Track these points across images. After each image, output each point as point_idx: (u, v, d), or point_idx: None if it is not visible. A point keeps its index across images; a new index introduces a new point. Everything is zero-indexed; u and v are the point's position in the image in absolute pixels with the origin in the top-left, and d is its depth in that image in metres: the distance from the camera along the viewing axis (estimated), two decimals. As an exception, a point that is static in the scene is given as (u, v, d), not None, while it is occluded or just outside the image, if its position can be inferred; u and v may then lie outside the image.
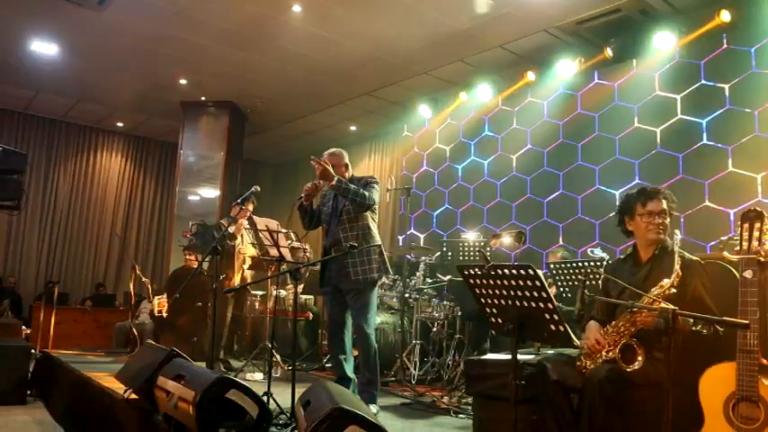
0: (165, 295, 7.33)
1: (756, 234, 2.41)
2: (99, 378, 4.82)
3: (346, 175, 4.66)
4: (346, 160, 4.71)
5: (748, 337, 2.27)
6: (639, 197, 3.06)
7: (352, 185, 4.42)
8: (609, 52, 6.46)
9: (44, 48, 7.61)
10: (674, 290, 2.67)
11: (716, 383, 2.35)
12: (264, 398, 3.71)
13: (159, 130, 11.05)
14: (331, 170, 4.39)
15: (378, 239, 4.58)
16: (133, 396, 3.94)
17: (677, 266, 2.67)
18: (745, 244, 2.42)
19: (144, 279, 8.07)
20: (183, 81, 8.53)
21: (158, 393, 3.56)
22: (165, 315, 7.19)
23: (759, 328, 2.31)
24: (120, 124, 10.98)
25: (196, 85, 8.67)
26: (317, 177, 4.41)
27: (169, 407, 3.38)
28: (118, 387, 4.14)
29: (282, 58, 7.54)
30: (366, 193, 4.43)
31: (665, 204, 2.99)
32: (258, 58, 7.56)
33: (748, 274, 2.37)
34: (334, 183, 4.36)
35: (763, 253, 2.41)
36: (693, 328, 2.65)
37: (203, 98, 9.21)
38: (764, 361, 2.31)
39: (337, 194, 4.55)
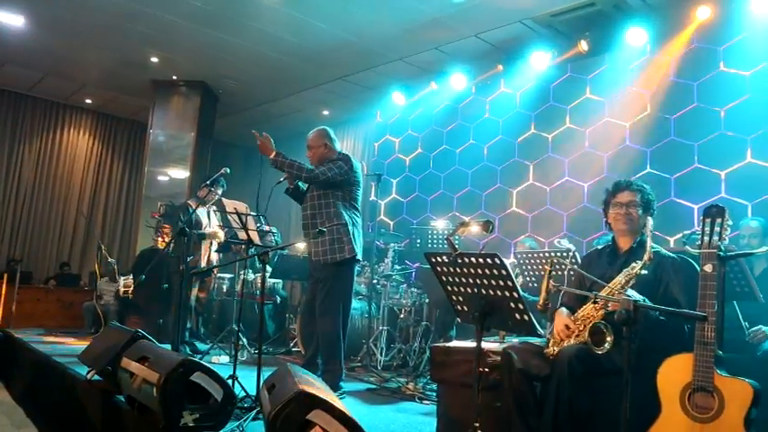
0: (131, 276, 7.25)
1: (717, 229, 2.46)
2: (61, 358, 4.76)
3: (327, 153, 4.65)
4: (325, 140, 4.68)
5: (706, 329, 2.33)
6: (612, 189, 3.17)
7: (292, 160, 4.42)
8: (584, 45, 6.51)
9: (9, 19, 7.39)
10: (644, 272, 2.72)
11: (674, 373, 2.41)
12: (230, 381, 3.70)
13: (129, 108, 10.85)
14: (269, 144, 4.45)
15: (343, 219, 4.50)
16: (96, 377, 3.91)
17: (649, 248, 2.73)
18: (706, 238, 2.48)
19: (110, 259, 7.97)
20: (154, 59, 8.37)
21: (122, 375, 3.53)
22: (130, 296, 7.11)
23: (717, 321, 2.37)
24: (88, 101, 10.74)
25: (168, 63, 8.51)
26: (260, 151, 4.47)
27: (132, 388, 3.35)
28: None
29: (256, 40, 7.44)
30: (305, 166, 4.41)
31: (634, 196, 3.06)
32: (232, 38, 7.45)
33: (708, 268, 2.42)
34: (271, 156, 4.42)
35: (722, 248, 2.46)
36: (661, 317, 2.72)
37: (174, 77, 9.06)
38: (720, 353, 2.37)
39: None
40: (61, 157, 10.89)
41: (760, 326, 3.77)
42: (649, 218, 2.98)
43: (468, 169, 7.85)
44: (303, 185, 4.71)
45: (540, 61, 6.94)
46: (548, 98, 7.14)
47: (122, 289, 7.40)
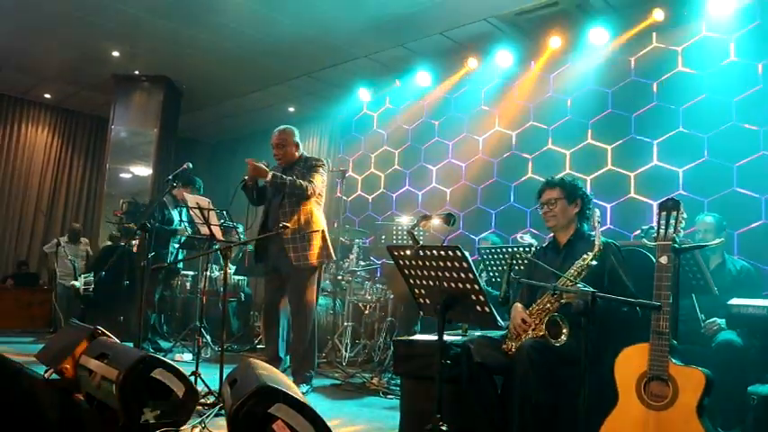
0: (91, 273, 7.11)
1: (672, 222, 2.52)
2: (17, 357, 4.65)
3: (296, 153, 4.67)
4: (296, 138, 4.71)
5: (661, 319, 2.38)
6: (537, 192, 3.28)
7: (289, 178, 4.44)
8: (551, 44, 6.60)
9: (-37, 9, 7.18)
10: (595, 262, 2.78)
11: (630, 363, 2.45)
12: (192, 378, 3.67)
13: (89, 103, 10.62)
14: (263, 167, 4.43)
15: (321, 224, 4.59)
16: (54, 376, 3.84)
17: (598, 241, 2.79)
18: (662, 231, 2.53)
19: (69, 257, 7.82)
20: (115, 53, 8.22)
21: (80, 373, 3.47)
22: (91, 294, 6.98)
23: (671, 311, 2.42)
24: (47, 96, 10.50)
25: (129, 57, 8.37)
26: (251, 174, 4.43)
27: (92, 386, 3.30)
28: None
29: (221, 35, 7.36)
30: (305, 184, 4.44)
31: (553, 193, 3.18)
32: (196, 33, 7.36)
33: (664, 259, 2.48)
34: (269, 179, 4.40)
35: (677, 240, 2.52)
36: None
37: (137, 72, 8.91)
38: (675, 342, 2.43)
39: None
40: (19, 153, 10.61)
41: (714, 318, 3.88)
42: (596, 210, 3.05)
43: (434, 166, 7.89)
44: (261, 182, 4.71)
45: (504, 59, 7.01)
46: (512, 96, 7.21)
47: (83, 287, 7.25)
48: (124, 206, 7.18)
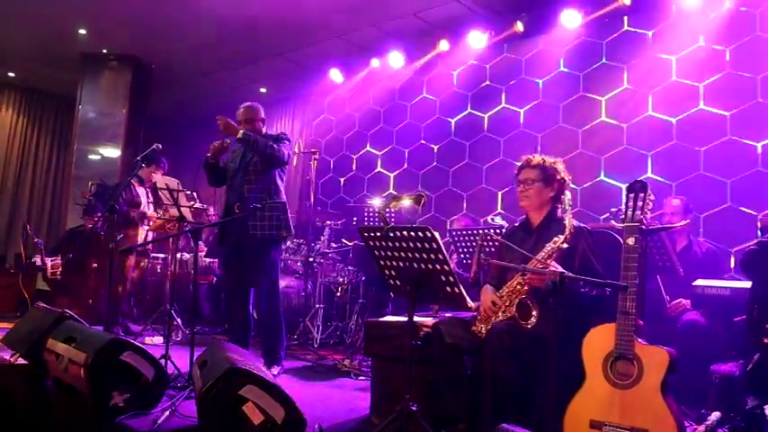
0: (58, 256, 7.00)
1: (640, 204, 2.56)
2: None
3: (263, 130, 4.61)
4: (262, 115, 4.67)
5: (627, 299, 2.42)
6: (517, 169, 3.27)
7: (261, 137, 4.36)
8: (519, 26, 6.60)
9: None
10: (566, 245, 2.80)
11: (597, 343, 2.50)
12: (162, 361, 3.65)
13: (56, 82, 10.35)
14: (234, 124, 4.32)
15: (282, 197, 4.54)
16: (21, 360, 3.79)
17: (568, 224, 2.81)
18: (629, 213, 2.57)
19: (36, 239, 7.68)
20: (82, 31, 8.02)
21: (48, 357, 3.44)
22: (58, 276, 6.87)
23: (637, 292, 2.46)
24: (11, 74, 10.24)
25: (98, 35, 8.17)
26: (222, 130, 4.32)
27: (59, 370, 3.26)
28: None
29: (192, 13, 7.20)
30: (275, 146, 4.38)
31: (531, 174, 3.15)
32: (165, 11, 7.20)
33: (631, 241, 2.52)
34: (240, 136, 4.28)
35: (644, 222, 2.56)
36: (582, 290, 2.81)
37: (105, 51, 8.72)
38: (640, 322, 2.47)
39: (246, 149, 4.46)
40: (-18, 133, 10.36)
41: (680, 298, 3.96)
42: (567, 191, 3.07)
43: (405, 148, 7.88)
44: (238, 161, 4.64)
45: (477, 41, 6.99)
46: (484, 78, 7.21)
47: (50, 270, 7.13)
48: (93, 188, 7.06)
